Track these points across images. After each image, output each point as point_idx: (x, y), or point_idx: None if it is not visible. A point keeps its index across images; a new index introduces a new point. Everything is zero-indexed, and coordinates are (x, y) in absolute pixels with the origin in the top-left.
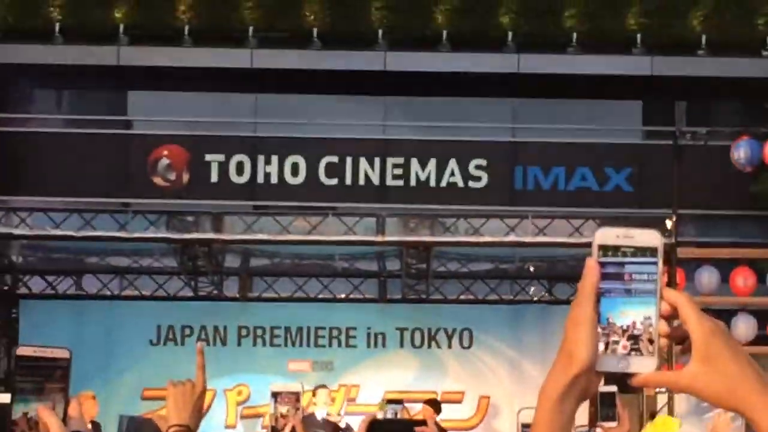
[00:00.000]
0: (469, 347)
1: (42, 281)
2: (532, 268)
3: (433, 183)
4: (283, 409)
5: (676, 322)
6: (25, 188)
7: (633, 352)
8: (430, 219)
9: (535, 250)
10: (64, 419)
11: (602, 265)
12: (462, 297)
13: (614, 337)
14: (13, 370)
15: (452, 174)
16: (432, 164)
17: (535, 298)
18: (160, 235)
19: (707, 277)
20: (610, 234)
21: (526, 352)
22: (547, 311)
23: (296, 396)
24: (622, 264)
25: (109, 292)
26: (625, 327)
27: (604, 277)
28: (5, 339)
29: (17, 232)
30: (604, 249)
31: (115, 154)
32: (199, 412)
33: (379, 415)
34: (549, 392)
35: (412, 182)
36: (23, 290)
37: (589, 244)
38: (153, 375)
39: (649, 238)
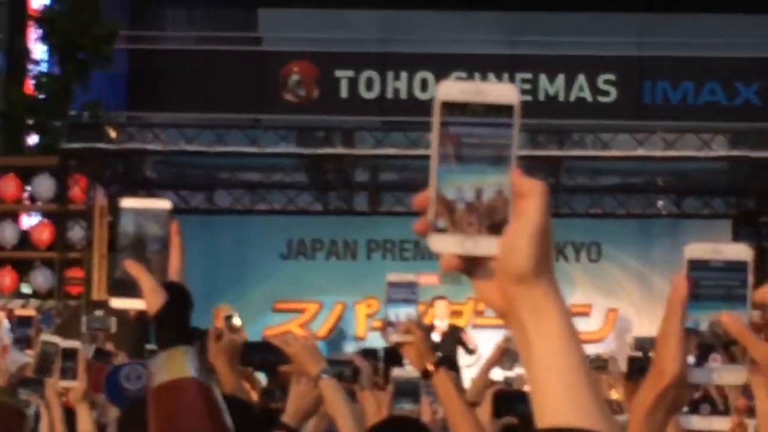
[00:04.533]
0: (597, 261)
1: (175, 196)
2: (661, 182)
3: (561, 98)
4: (400, 311)
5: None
6: (159, 104)
7: (723, 364)
8: (559, 133)
9: (663, 164)
10: (164, 273)
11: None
12: (590, 211)
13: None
14: (116, 222)
15: (581, 89)
16: (560, 79)
17: (664, 212)
18: (290, 150)
19: None
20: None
21: (654, 266)
22: (676, 225)
23: (413, 287)
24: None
25: (240, 207)
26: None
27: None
28: None
29: (151, 147)
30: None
31: (245, 70)
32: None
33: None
34: (640, 403)
35: (541, 97)
36: None
37: (718, 158)
38: (284, 288)
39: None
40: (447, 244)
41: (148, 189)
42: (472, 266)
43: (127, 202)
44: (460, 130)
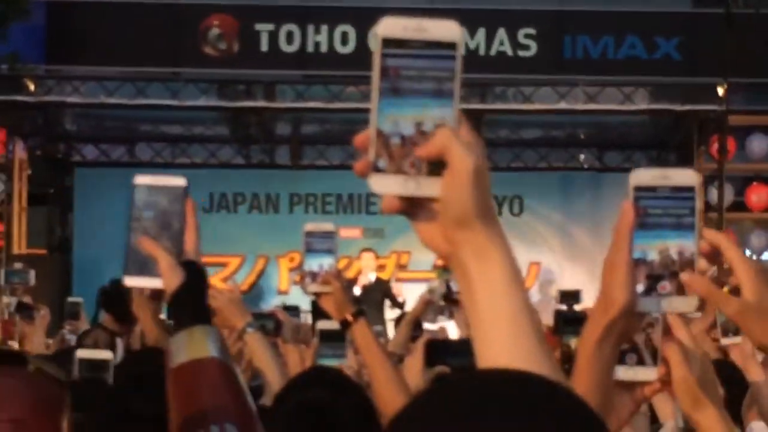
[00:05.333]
0: (519, 214)
1: (95, 149)
2: (582, 136)
3: (482, 52)
4: (318, 261)
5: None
6: (78, 57)
7: (673, 292)
8: (481, 87)
9: (585, 117)
10: (179, 250)
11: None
12: (512, 164)
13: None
14: (129, 199)
15: (501, 43)
16: (481, 33)
17: (586, 166)
18: (212, 103)
19: (758, 144)
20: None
21: (576, 219)
22: (598, 178)
23: (331, 237)
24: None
25: (161, 160)
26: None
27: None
28: (60, 206)
29: (71, 100)
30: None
31: (166, 23)
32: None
33: (435, 284)
34: (588, 335)
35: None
36: (77, 158)
37: (639, 112)
38: (206, 242)
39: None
40: (388, 185)
41: (68, 142)
42: (413, 207)
43: (141, 179)
44: (401, 63)
